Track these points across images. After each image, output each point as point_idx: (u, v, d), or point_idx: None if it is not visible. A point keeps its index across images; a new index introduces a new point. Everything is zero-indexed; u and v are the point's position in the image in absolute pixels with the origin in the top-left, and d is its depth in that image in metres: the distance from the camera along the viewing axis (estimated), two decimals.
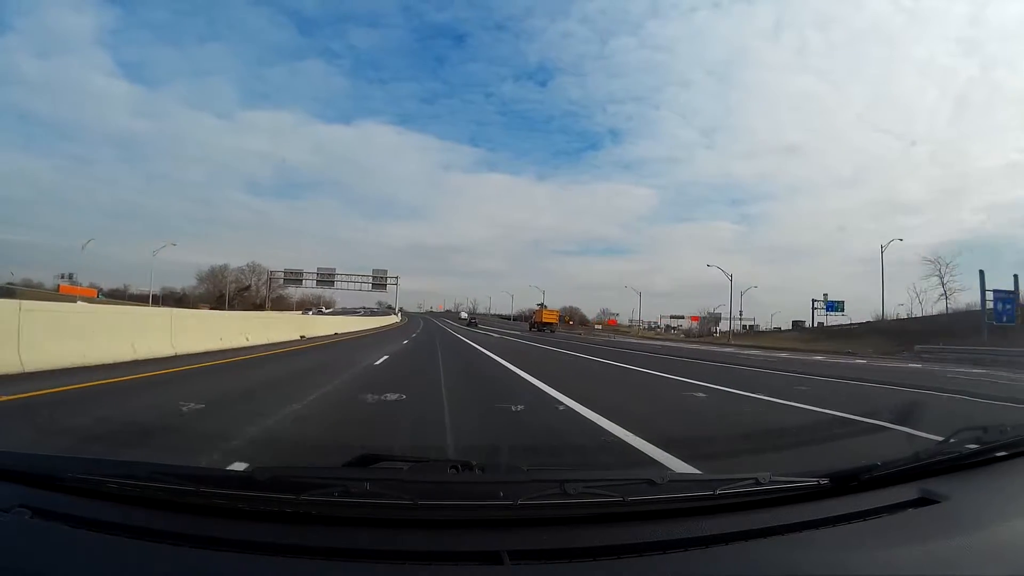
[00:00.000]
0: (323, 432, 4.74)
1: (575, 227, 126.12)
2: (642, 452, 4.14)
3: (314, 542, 1.04)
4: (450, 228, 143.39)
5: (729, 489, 1.25)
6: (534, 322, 72.15)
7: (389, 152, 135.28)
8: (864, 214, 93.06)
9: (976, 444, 1.54)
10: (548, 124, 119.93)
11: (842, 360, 22.30)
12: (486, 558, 1.02)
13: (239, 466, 3.02)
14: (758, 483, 1.26)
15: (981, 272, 35.38)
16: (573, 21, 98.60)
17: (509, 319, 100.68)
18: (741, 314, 63.36)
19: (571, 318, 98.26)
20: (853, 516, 1.21)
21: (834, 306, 57.44)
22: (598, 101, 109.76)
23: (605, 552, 1.04)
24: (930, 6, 76.95)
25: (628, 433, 4.76)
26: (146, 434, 4.27)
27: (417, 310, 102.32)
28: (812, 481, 1.32)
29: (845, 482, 1.34)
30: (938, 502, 1.26)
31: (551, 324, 68.63)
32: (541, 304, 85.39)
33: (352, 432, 4.86)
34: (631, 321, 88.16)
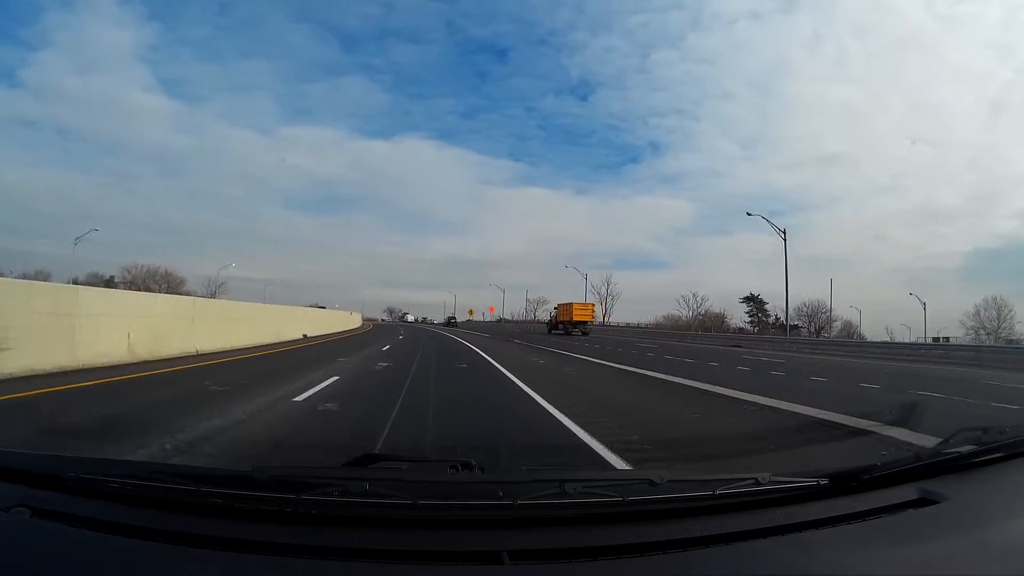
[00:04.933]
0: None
1: (613, 241, 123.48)
2: None
3: (314, 542, 1.04)
4: (488, 242, 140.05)
5: (729, 489, 1.24)
6: (557, 322, 51.08)
7: (428, 167, 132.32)
8: (900, 223, 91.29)
9: (976, 445, 1.54)
10: (589, 138, 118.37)
11: None
12: (486, 558, 1.02)
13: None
14: (758, 483, 1.26)
15: None
16: (615, 35, 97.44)
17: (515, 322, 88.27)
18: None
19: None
20: (853, 516, 1.20)
21: None
22: (639, 114, 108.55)
23: (605, 552, 1.04)
24: (965, 11, 75.58)
25: None
26: None
27: (451, 317, 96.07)
28: (812, 481, 1.32)
29: (845, 482, 1.34)
30: (938, 502, 1.26)
31: (583, 323, 47.79)
32: (608, 301, 67.58)
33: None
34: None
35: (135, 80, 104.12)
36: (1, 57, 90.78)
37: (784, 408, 6.74)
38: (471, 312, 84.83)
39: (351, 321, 45.45)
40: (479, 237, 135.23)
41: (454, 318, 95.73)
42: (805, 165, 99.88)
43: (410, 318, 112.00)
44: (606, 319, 70.14)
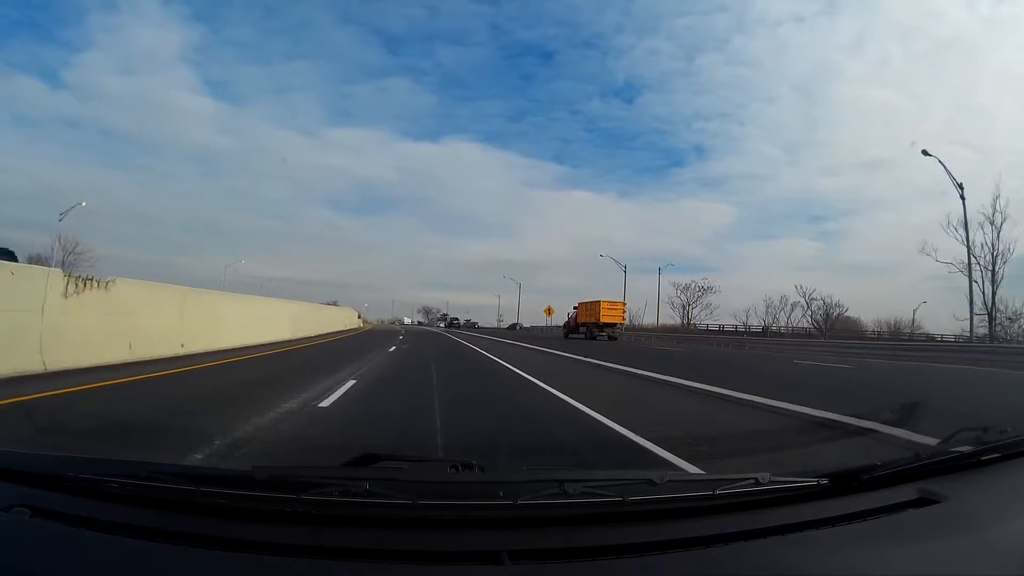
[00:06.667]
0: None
1: (656, 245, 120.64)
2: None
3: (314, 542, 1.04)
4: (532, 245, 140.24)
5: (729, 489, 1.24)
6: (577, 324, 42.70)
7: (473, 169, 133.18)
8: (941, 229, 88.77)
9: (976, 445, 1.54)
10: (633, 141, 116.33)
11: None
12: (486, 558, 1.02)
13: None
14: (758, 483, 1.26)
15: None
16: (660, 38, 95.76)
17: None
18: None
19: None
20: (853, 516, 1.21)
21: None
22: (684, 118, 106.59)
23: (605, 552, 1.04)
24: (1007, 13, 73.91)
25: None
26: None
27: (498, 324, 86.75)
28: (812, 481, 1.32)
29: (845, 482, 1.34)
30: (938, 502, 1.26)
31: (611, 326, 38.80)
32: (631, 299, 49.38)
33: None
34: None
35: (180, 81, 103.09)
36: (45, 58, 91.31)
37: None
38: (549, 311, 59.41)
39: (312, 324, 23.52)
40: (522, 240, 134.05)
41: (457, 319, 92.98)
42: (848, 170, 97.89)
43: (407, 320, 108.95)
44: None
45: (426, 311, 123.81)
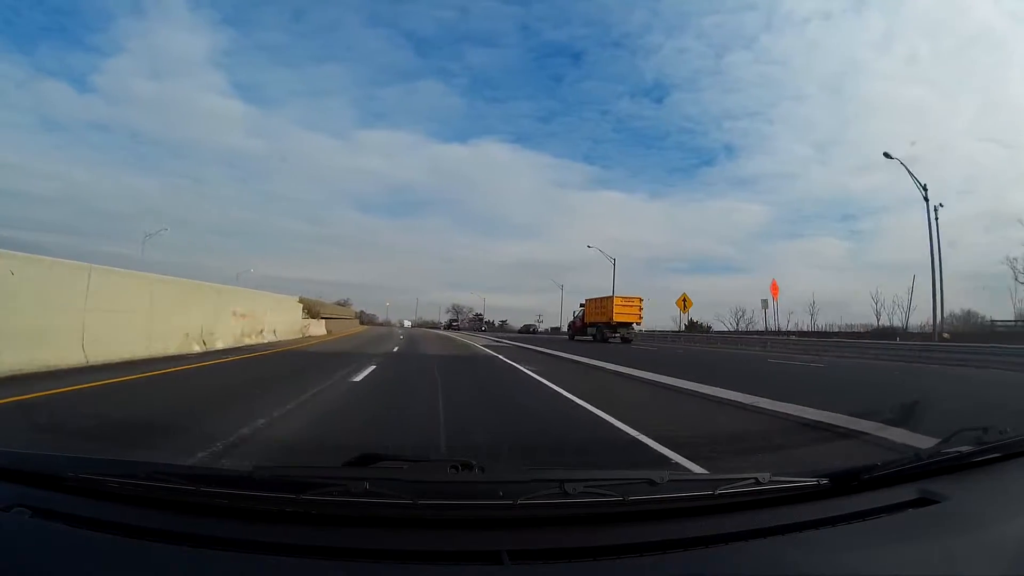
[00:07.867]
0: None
1: (687, 245, 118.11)
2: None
3: (314, 542, 1.04)
4: (562, 245, 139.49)
5: (729, 489, 1.25)
6: (584, 324, 37.36)
7: (504, 170, 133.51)
8: (972, 227, 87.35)
9: (976, 445, 1.54)
10: (663, 141, 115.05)
11: None
12: (486, 558, 1.02)
13: None
14: (758, 483, 1.26)
15: None
16: (689, 37, 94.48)
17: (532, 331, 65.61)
18: None
19: None
20: (853, 516, 1.21)
21: None
22: (713, 117, 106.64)
23: (605, 552, 1.04)
24: None
25: None
26: None
27: (536, 323, 75.37)
28: (812, 481, 1.32)
29: (845, 482, 1.34)
30: (938, 502, 1.26)
31: (626, 326, 33.66)
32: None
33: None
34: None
35: (210, 85, 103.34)
36: (74, 63, 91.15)
37: None
38: (684, 303, 36.05)
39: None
40: (554, 240, 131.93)
41: (456, 320, 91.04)
42: (877, 168, 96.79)
43: (407, 323, 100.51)
44: None
45: (456, 310, 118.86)
